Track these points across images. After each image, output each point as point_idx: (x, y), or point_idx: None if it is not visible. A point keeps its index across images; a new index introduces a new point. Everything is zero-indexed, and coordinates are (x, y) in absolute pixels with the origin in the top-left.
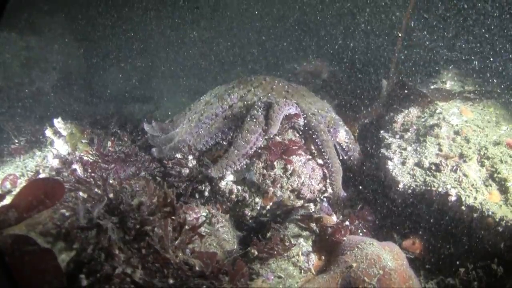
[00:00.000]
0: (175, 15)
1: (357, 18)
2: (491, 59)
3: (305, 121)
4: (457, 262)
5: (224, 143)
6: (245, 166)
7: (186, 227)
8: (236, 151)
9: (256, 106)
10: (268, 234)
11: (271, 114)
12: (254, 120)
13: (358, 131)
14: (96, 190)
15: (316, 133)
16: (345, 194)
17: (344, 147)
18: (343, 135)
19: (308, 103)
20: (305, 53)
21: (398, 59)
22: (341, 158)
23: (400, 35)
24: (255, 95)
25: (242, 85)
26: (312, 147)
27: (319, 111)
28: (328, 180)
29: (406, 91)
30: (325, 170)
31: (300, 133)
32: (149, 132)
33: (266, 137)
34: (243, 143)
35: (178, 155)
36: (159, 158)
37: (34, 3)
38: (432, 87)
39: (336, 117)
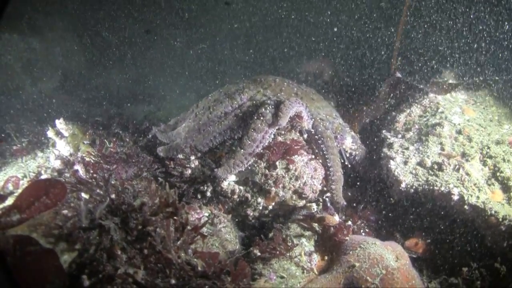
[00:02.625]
0: (176, 17)
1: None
2: (492, 57)
3: (313, 126)
4: (460, 261)
5: (227, 143)
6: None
7: (188, 227)
8: (242, 150)
9: (265, 104)
10: (271, 234)
11: (281, 107)
12: (262, 118)
13: (358, 130)
14: (98, 190)
15: (322, 138)
16: (344, 203)
17: (350, 153)
18: (349, 142)
19: (317, 107)
20: (307, 52)
21: (397, 58)
22: (346, 164)
23: (399, 31)
24: (264, 96)
25: (252, 85)
26: (316, 151)
27: (327, 116)
28: (328, 188)
29: (405, 89)
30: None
31: (305, 136)
32: (159, 135)
33: (276, 128)
34: (249, 142)
35: (180, 156)
36: (166, 157)
37: (36, 5)
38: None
39: (343, 123)
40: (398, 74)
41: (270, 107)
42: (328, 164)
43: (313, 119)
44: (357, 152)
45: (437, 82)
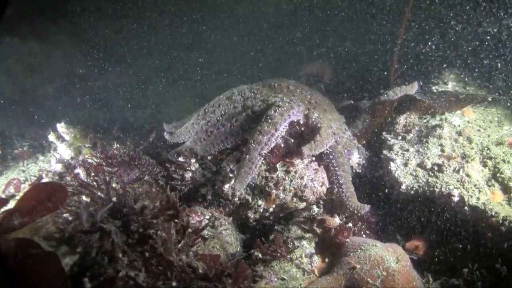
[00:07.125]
0: (176, 20)
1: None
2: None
3: None
4: (461, 263)
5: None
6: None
7: (189, 230)
8: (248, 156)
9: (274, 106)
10: (271, 237)
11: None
12: (269, 121)
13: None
14: (99, 193)
15: (334, 153)
16: (369, 206)
17: (356, 166)
18: (356, 157)
19: (329, 120)
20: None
21: (397, 64)
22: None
23: (399, 39)
24: (275, 97)
25: (265, 90)
26: (324, 163)
27: (338, 130)
28: (344, 206)
29: (407, 103)
30: (331, 178)
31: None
32: (168, 137)
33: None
34: (254, 145)
35: (181, 158)
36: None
37: (37, 9)
38: (434, 88)
39: (350, 136)
40: (416, 85)
41: (280, 109)
42: (340, 182)
43: None
44: (362, 162)
45: (443, 92)
